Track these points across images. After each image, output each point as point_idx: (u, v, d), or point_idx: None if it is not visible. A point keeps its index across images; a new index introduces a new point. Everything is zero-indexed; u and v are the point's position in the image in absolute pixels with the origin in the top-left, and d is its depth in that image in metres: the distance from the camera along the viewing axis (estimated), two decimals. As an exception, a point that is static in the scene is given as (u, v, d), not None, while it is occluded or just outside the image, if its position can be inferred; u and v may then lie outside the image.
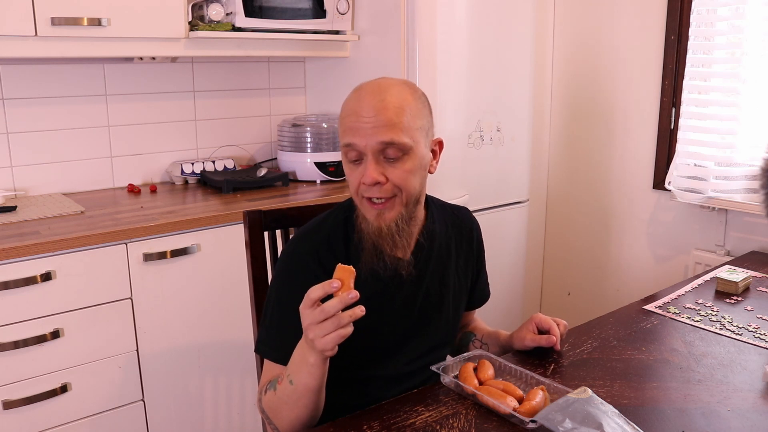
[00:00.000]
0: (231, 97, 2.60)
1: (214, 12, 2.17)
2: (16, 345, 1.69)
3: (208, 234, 1.98)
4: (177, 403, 2.00)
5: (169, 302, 1.94)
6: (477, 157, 2.49)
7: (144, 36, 2.04)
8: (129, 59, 2.27)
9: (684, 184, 2.35)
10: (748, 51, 2.16)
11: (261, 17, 2.25)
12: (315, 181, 2.47)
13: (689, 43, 2.29)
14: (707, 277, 1.86)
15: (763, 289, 1.78)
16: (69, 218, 1.92)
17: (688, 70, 2.31)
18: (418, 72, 2.26)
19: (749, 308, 1.64)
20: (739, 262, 2.04)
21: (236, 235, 2.00)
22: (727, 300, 1.69)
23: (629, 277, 2.71)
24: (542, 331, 1.34)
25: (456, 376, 1.21)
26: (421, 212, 1.28)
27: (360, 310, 1.01)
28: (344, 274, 1.03)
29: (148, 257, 1.87)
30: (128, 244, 1.84)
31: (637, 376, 1.27)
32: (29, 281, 1.69)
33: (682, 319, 1.55)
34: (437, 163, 1.26)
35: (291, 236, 1.41)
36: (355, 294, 1.01)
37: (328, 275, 1.04)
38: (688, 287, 1.78)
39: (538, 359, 1.32)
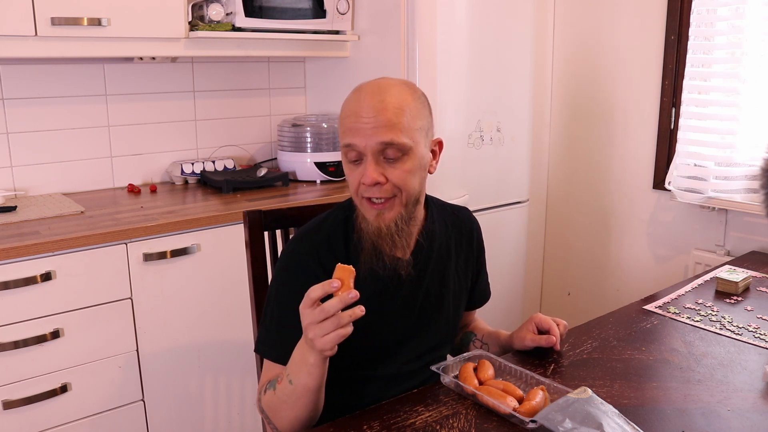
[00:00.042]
0: (231, 97, 2.60)
1: (214, 12, 2.17)
2: (16, 345, 1.69)
3: (208, 234, 1.98)
4: (177, 403, 2.00)
5: (169, 302, 1.94)
6: (477, 157, 2.49)
7: (144, 36, 2.04)
8: (129, 59, 2.27)
9: (684, 184, 2.35)
10: (748, 51, 2.16)
11: (261, 17, 2.25)
12: (315, 181, 2.47)
13: (689, 43, 2.29)
14: (707, 277, 1.86)
15: (763, 289, 1.78)
16: (69, 218, 1.92)
17: (688, 70, 2.31)
18: (418, 72, 2.26)
19: (749, 308, 1.64)
20: (739, 262, 2.04)
21: (236, 235, 2.00)
22: (727, 300, 1.69)
23: (629, 277, 2.71)
24: (542, 331, 1.34)
25: (456, 376, 1.21)
26: (420, 212, 1.28)
27: (360, 310, 1.01)
28: (344, 273, 1.03)
29: (148, 257, 1.87)
30: (128, 244, 1.84)
31: (637, 376, 1.27)
32: (29, 281, 1.69)
33: (682, 319, 1.55)
34: (437, 163, 1.26)
35: (291, 236, 1.41)
36: (355, 294, 1.01)
37: (328, 275, 1.04)
38: (688, 287, 1.78)
39: (538, 359, 1.32)
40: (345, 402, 1.24)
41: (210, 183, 2.36)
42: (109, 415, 1.87)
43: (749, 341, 1.44)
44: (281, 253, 1.28)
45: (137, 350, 1.90)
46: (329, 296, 1.01)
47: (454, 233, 1.36)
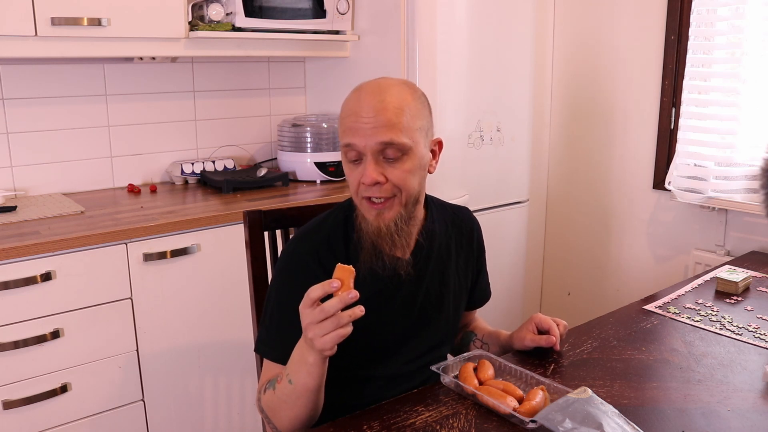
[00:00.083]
0: (231, 97, 2.60)
1: (214, 12, 2.17)
2: (16, 345, 1.69)
3: (208, 234, 1.98)
4: (177, 403, 2.00)
5: (169, 302, 1.94)
6: (477, 157, 2.49)
7: (144, 36, 2.04)
8: (129, 59, 2.27)
9: (684, 184, 2.35)
10: (748, 51, 2.16)
11: (261, 17, 2.25)
12: (315, 181, 2.47)
13: (689, 43, 2.29)
14: (707, 277, 1.86)
15: (763, 289, 1.78)
16: (69, 218, 1.92)
17: (688, 70, 2.31)
18: (418, 72, 2.26)
19: (749, 308, 1.64)
20: (739, 262, 2.04)
21: (236, 235, 2.00)
22: (727, 300, 1.69)
23: (629, 277, 2.71)
24: (542, 331, 1.34)
25: (456, 376, 1.21)
26: (420, 212, 1.28)
27: (359, 310, 1.01)
28: (344, 273, 1.03)
29: (148, 257, 1.87)
30: (128, 244, 1.84)
31: (637, 376, 1.26)
32: (29, 281, 1.69)
33: (682, 319, 1.55)
34: (437, 163, 1.26)
35: (291, 236, 1.41)
36: (355, 294, 1.01)
37: (328, 275, 1.04)
38: (688, 287, 1.78)
39: (538, 359, 1.32)
40: (345, 402, 1.24)
41: (210, 183, 2.36)
42: (109, 415, 1.87)
43: (749, 341, 1.43)
44: (281, 252, 1.28)
45: (137, 350, 1.90)
46: (329, 296, 1.01)
47: (454, 233, 1.36)
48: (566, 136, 2.87)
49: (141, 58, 2.25)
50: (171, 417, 1.99)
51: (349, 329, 1.02)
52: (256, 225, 1.45)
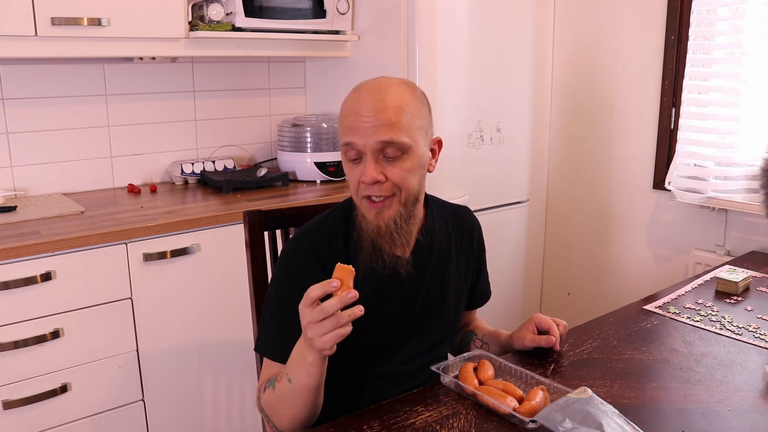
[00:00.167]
0: (231, 97, 2.60)
1: (214, 12, 2.17)
2: (16, 345, 1.69)
3: (208, 234, 1.98)
4: (177, 403, 2.00)
5: (169, 302, 1.94)
6: (477, 157, 2.49)
7: (144, 36, 2.04)
8: (129, 59, 2.27)
9: (684, 184, 2.35)
10: (748, 51, 2.16)
11: (261, 17, 2.25)
12: (315, 181, 2.47)
13: (689, 43, 2.29)
14: (707, 277, 1.86)
15: (763, 289, 1.78)
16: (69, 218, 1.92)
17: (688, 70, 2.31)
18: (418, 72, 2.26)
19: (749, 308, 1.64)
20: (739, 262, 2.04)
21: (236, 235, 2.00)
22: (727, 300, 1.69)
23: (629, 277, 2.71)
24: (542, 332, 1.34)
25: (456, 376, 1.21)
26: (420, 211, 1.28)
27: (359, 310, 1.01)
28: (344, 273, 1.03)
29: (148, 257, 1.87)
30: (128, 244, 1.84)
31: (637, 376, 1.26)
32: (29, 281, 1.69)
33: (682, 319, 1.55)
34: (436, 162, 1.26)
35: (291, 236, 1.41)
36: (355, 294, 1.01)
37: (328, 274, 1.04)
38: (688, 287, 1.78)
39: (538, 359, 1.32)
40: (345, 402, 1.24)
41: (210, 183, 2.36)
42: (109, 415, 1.87)
43: (749, 341, 1.43)
44: (281, 252, 1.28)
45: (137, 350, 1.90)
46: (329, 296, 1.01)
47: (454, 232, 1.36)
48: (566, 136, 2.87)
49: (141, 58, 2.25)
50: (171, 417, 1.99)
51: (349, 329, 1.02)
52: (256, 225, 1.45)
